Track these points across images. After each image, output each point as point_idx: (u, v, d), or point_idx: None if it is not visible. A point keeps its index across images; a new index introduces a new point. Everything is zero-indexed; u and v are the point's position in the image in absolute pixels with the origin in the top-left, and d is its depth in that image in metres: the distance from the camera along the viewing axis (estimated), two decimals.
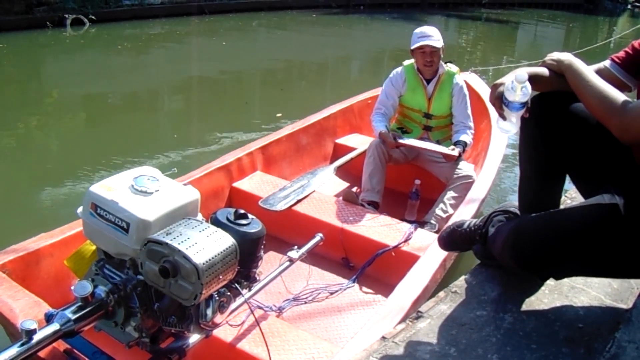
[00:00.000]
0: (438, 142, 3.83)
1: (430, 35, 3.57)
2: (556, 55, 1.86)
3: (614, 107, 1.64)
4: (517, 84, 1.76)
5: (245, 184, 3.51)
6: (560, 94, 1.85)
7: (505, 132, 1.96)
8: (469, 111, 3.75)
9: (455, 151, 3.53)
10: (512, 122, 1.87)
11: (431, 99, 3.74)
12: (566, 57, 1.83)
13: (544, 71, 1.91)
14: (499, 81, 1.85)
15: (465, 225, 2.14)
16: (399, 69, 3.83)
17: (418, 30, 3.65)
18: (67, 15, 11.05)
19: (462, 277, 2.12)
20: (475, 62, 11.06)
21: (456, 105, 3.73)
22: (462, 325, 1.85)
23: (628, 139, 1.64)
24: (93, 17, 11.34)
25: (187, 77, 8.91)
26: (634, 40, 1.92)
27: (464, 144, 3.63)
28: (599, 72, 1.92)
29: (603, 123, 1.68)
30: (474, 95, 4.20)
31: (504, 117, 1.86)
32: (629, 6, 28.45)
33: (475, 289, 2.04)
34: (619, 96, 1.66)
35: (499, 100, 1.84)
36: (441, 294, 2.04)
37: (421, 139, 3.85)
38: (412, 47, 3.63)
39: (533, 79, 1.88)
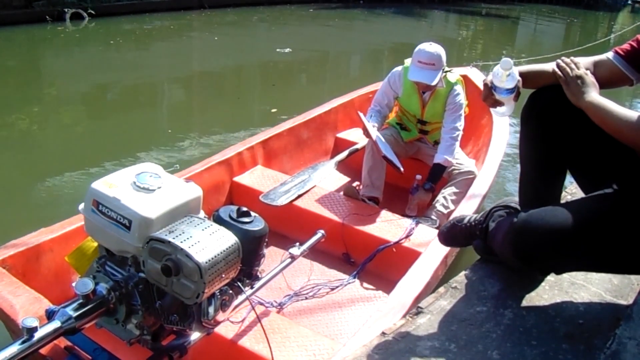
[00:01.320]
0: (436, 143, 3.79)
1: (428, 65, 3.42)
2: (575, 85, 1.82)
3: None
4: (503, 71, 1.80)
5: (246, 179, 3.50)
6: (559, 89, 1.86)
7: (499, 115, 2.00)
8: (459, 122, 3.61)
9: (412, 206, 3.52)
10: (505, 105, 1.92)
11: (425, 106, 3.68)
12: (586, 94, 1.79)
13: (534, 68, 1.93)
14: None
15: (466, 220, 2.14)
16: (399, 70, 3.74)
17: (421, 49, 3.46)
18: (66, 10, 11.01)
19: (462, 273, 2.13)
20: (475, 57, 11.05)
21: (447, 115, 3.62)
22: (462, 321, 1.85)
23: None
24: (92, 12, 11.31)
25: (183, 72, 8.86)
26: (639, 34, 1.92)
27: (438, 173, 3.56)
28: (601, 63, 1.93)
29: (632, 143, 1.69)
30: (475, 90, 4.17)
31: (499, 104, 1.90)
32: (629, 1, 28.41)
33: (475, 285, 2.05)
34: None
35: (488, 88, 1.88)
36: (441, 289, 2.05)
37: (419, 140, 3.88)
38: (409, 77, 3.51)
39: (524, 77, 1.90)
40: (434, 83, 3.43)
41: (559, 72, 1.85)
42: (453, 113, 3.60)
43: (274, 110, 6.67)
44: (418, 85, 3.59)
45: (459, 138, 3.63)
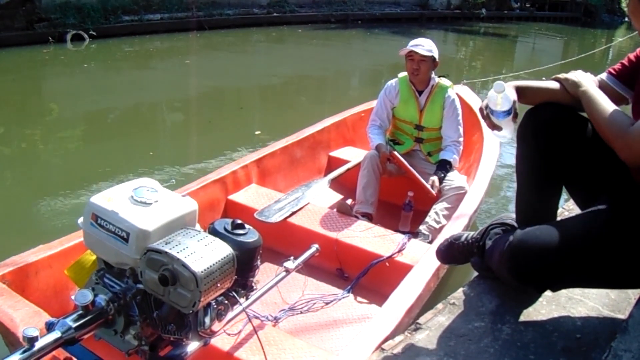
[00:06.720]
0: (429, 154, 3.86)
1: (421, 44, 3.60)
2: (574, 78, 1.89)
3: (618, 130, 1.68)
4: (496, 94, 1.82)
5: (240, 197, 3.52)
6: (555, 106, 1.88)
7: (500, 138, 2.01)
8: (460, 126, 3.76)
9: (433, 189, 3.54)
10: (505, 129, 1.92)
11: (423, 110, 3.77)
12: (583, 81, 1.87)
13: (531, 84, 1.95)
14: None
15: (463, 238, 2.14)
16: (394, 81, 3.87)
17: (413, 40, 3.68)
18: (67, 31, 11.11)
19: (460, 289, 2.14)
20: (474, 75, 11.09)
21: (446, 118, 3.75)
22: (460, 336, 1.86)
23: (632, 160, 1.68)
24: (93, 33, 11.41)
25: (180, 93, 8.88)
26: (630, 52, 1.94)
27: (447, 166, 3.68)
28: (597, 85, 1.95)
29: (610, 145, 1.72)
30: (466, 107, 4.23)
31: (498, 128, 1.90)
32: (626, 19, 28.59)
33: (473, 301, 2.06)
34: (625, 119, 1.70)
35: (484, 113, 1.90)
36: (439, 305, 2.06)
37: (413, 151, 3.91)
38: (401, 53, 3.66)
39: (521, 91, 1.92)
40: (427, 54, 3.58)
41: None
42: (452, 117, 3.75)
43: (257, 132, 6.71)
44: (414, 86, 3.74)
45: (462, 143, 3.78)
